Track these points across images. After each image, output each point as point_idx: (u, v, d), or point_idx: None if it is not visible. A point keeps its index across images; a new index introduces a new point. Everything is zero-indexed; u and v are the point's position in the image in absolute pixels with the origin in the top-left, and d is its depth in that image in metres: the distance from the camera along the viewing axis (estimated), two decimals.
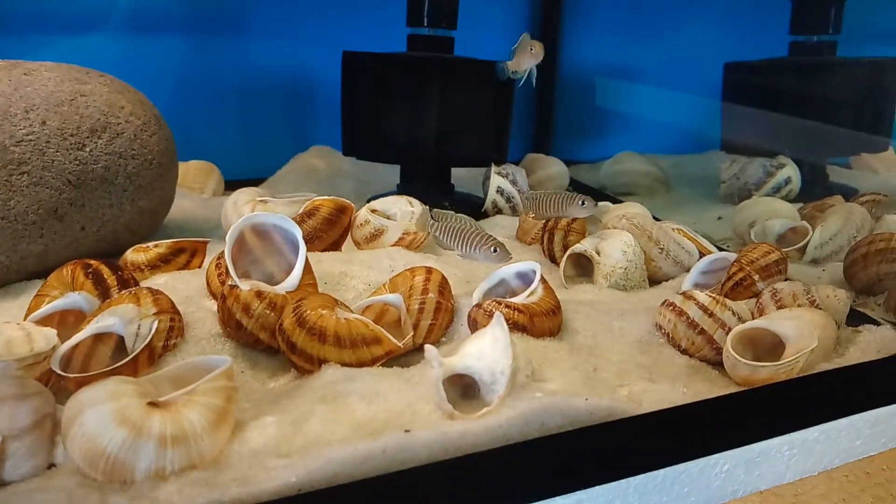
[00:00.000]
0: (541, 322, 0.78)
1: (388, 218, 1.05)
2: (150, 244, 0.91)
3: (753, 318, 0.82)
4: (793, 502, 0.67)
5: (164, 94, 1.25)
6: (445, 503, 0.56)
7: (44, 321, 0.72)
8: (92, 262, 0.80)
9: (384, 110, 1.37)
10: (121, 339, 0.69)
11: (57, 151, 0.92)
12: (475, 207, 1.36)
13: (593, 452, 0.61)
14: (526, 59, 1.18)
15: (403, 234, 1.02)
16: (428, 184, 1.42)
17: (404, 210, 1.07)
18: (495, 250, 1.00)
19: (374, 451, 0.56)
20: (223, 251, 0.78)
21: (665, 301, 0.83)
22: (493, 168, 1.36)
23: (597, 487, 0.60)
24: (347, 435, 0.58)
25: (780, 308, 0.84)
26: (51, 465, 0.55)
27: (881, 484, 0.69)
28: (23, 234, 0.90)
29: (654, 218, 1.14)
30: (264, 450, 0.56)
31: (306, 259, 0.78)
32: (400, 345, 0.71)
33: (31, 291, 0.84)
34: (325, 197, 1.03)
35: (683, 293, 0.83)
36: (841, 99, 1.58)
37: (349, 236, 1.04)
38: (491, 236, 1.02)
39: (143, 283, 0.82)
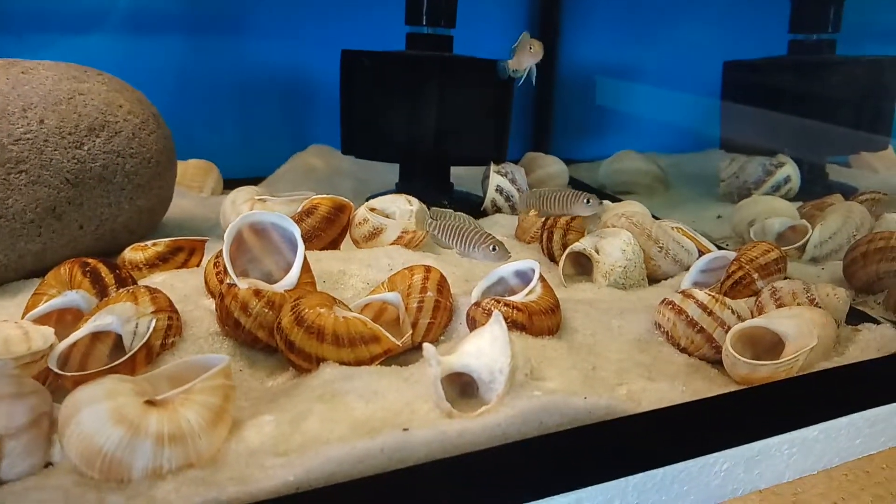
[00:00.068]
0: (540, 321, 0.78)
1: (386, 216, 1.05)
2: (149, 243, 0.91)
3: (753, 317, 0.82)
4: (792, 501, 0.67)
5: (163, 92, 1.25)
6: (444, 502, 0.56)
7: (41, 320, 0.72)
8: (90, 260, 0.80)
9: (383, 109, 1.36)
10: (118, 338, 0.68)
11: (55, 150, 0.92)
12: (474, 206, 1.35)
13: (592, 451, 0.61)
14: (526, 58, 1.19)
15: (402, 232, 1.02)
16: (427, 182, 1.42)
17: (403, 209, 1.07)
18: (494, 249, 1.00)
19: (373, 449, 0.55)
20: (221, 250, 0.78)
21: (664, 300, 0.83)
22: (493, 167, 1.36)
23: (595, 486, 0.59)
24: (345, 433, 0.58)
25: (779, 307, 0.84)
26: (48, 464, 0.55)
27: (881, 483, 0.69)
28: (21, 233, 0.90)
29: (654, 216, 1.14)
30: (262, 448, 0.56)
31: (305, 257, 0.78)
32: (398, 343, 0.71)
33: (28, 290, 0.84)
34: (324, 195, 1.03)
35: (683, 292, 0.83)
36: (840, 98, 1.58)
37: (348, 235, 1.04)
38: (490, 235, 1.03)
39: (142, 282, 0.82)
